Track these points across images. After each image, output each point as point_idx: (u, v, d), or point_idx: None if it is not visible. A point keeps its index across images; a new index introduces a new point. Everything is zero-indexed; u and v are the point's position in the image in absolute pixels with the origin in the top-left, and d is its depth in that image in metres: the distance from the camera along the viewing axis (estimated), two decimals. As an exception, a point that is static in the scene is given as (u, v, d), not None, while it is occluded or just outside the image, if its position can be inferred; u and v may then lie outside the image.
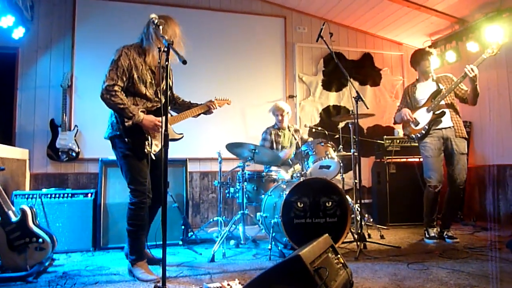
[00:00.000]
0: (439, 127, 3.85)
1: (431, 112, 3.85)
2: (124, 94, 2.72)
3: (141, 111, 2.76)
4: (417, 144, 4.09)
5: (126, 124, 2.69)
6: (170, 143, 2.95)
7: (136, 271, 2.71)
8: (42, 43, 4.77)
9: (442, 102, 3.85)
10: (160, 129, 2.77)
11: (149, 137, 2.79)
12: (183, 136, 3.10)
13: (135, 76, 2.76)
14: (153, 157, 2.82)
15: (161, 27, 2.59)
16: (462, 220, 4.95)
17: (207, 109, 3.19)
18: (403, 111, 4.00)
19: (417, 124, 3.93)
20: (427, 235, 3.87)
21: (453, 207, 3.95)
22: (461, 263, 2.92)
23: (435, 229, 3.88)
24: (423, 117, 3.91)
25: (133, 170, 2.76)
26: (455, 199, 3.90)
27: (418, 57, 4.04)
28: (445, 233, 3.85)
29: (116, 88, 2.66)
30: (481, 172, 4.98)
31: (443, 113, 3.82)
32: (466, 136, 3.90)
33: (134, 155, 2.76)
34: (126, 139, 2.71)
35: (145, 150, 2.75)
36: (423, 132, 3.87)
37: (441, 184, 3.82)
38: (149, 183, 2.81)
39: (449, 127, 3.84)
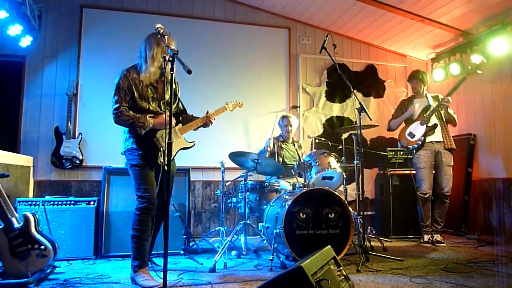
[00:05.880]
0: (431, 140, 4.39)
1: (425, 125, 4.38)
2: (130, 111, 2.87)
3: (149, 117, 2.88)
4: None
5: (140, 133, 2.85)
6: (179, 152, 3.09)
7: (138, 278, 2.73)
8: (48, 51, 4.83)
9: (435, 119, 4.40)
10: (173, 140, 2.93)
11: (161, 148, 2.89)
12: (194, 144, 3.18)
13: (136, 94, 2.89)
14: (165, 167, 2.86)
15: (166, 36, 2.63)
16: (466, 234, 4.91)
17: (205, 123, 3.24)
18: (407, 112, 4.54)
19: (413, 136, 4.42)
20: (422, 240, 4.41)
21: (440, 213, 4.42)
22: (465, 277, 2.89)
23: (429, 235, 4.37)
24: (418, 130, 4.43)
25: (140, 178, 2.86)
26: (442, 204, 4.41)
27: (409, 77, 4.69)
28: (435, 238, 4.32)
29: (122, 109, 2.85)
30: (485, 185, 4.94)
31: (436, 125, 4.38)
32: (455, 147, 4.44)
33: (142, 165, 2.87)
34: (140, 152, 2.86)
35: (158, 161, 2.88)
36: (420, 143, 4.38)
37: (430, 191, 4.39)
38: (155, 191, 2.86)
39: (440, 142, 4.39)
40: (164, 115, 2.89)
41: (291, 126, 4.65)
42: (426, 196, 4.35)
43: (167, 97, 2.96)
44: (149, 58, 2.87)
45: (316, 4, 5.25)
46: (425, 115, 4.38)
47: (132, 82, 2.88)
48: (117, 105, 2.83)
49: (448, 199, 4.39)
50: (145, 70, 2.89)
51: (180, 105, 3.29)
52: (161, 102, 3.00)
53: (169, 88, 2.44)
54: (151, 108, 2.94)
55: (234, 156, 3.83)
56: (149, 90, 2.94)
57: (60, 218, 3.71)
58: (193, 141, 3.17)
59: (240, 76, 5.43)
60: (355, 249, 3.58)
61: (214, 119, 3.28)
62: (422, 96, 4.57)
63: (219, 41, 5.40)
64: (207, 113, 3.26)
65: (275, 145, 4.63)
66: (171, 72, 2.41)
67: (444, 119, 4.48)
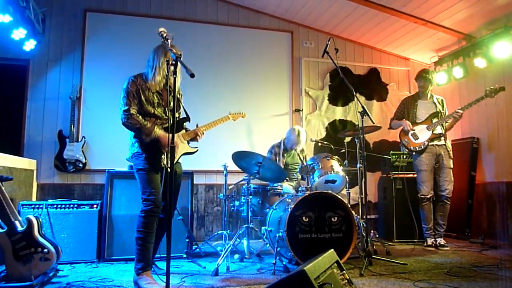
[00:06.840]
0: (433, 143, 4.44)
1: (431, 131, 4.42)
2: (140, 117, 2.93)
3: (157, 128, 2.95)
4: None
5: (145, 141, 2.90)
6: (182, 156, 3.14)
7: (141, 281, 2.73)
8: (52, 55, 4.85)
9: (440, 128, 4.46)
10: (177, 144, 3.04)
11: (164, 152, 2.93)
12: (197, 150, 3.22)
13: (143, 98, 2.97)
14: (168, 170, 2.88)
15: (169, 40, 2.64)
16: (470, 238, 4.88)
17: (194, 136, 3.24)
18: (404, 122, 4.52)
19: (417, 138, 4.45)
20: (425, 244, 4.40)
21: (442, 215, 4.45)
22: (469, 281, 2.87)
23: (433, 238, 4.39)
24: (423, 133, 4.45)
25: (145, 181, 2.90)
26: (443, 206, 4.45)
27: (417, 75, 4.62)
28: (438, 241, 4.32)
29: (131, 111, 2.91)
30: (489, 189, 4.92)
31: (441, 135, 4.45)
32: (452, 157, 4.49)
33: (148, 169, 2.90)
34: (144, 155, 2.90)
35: (161, 164, 2.92)
36: (422, 147, 4.41)
37: (432, 193, 4.44)
38: (160, 194, 2.88)
39: (441, 145, 4.45)
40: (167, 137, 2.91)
41: (298, 141, 4.48)
42: (428, 197, 4.41)
43: (170, 104, 2.99)
44: (156, 68, 2.97)
45: (318, 7, 5.26)
46: (432, 122, 4.42)
47: (139, 87, 2.97)
48: (127, 107, 2.91)
49: (449, 201, 4.42)
50: (152, 79, 2.98)
51: (183, 113, 3.31)
52: (166, 109, 3.06)
53: (173, 90, 2.46)
54: (156, 113, 3.00)
55: (237, 157, 3.79)
56: (155, 97, 3.02)
57: (63, 222, 3.71)
58: (196, 147, 3.22)
59: (242, 80, 5.44)
60: (358, 253, 3.56)
61: (203, 133, 3.25)
62: (427, 98, 4.57)
63: (222, 45, 5.42)
64: (197, 126, 3.25)
65: (276, 153, 4.60)
66: (174, 76, 2.42)
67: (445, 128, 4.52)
